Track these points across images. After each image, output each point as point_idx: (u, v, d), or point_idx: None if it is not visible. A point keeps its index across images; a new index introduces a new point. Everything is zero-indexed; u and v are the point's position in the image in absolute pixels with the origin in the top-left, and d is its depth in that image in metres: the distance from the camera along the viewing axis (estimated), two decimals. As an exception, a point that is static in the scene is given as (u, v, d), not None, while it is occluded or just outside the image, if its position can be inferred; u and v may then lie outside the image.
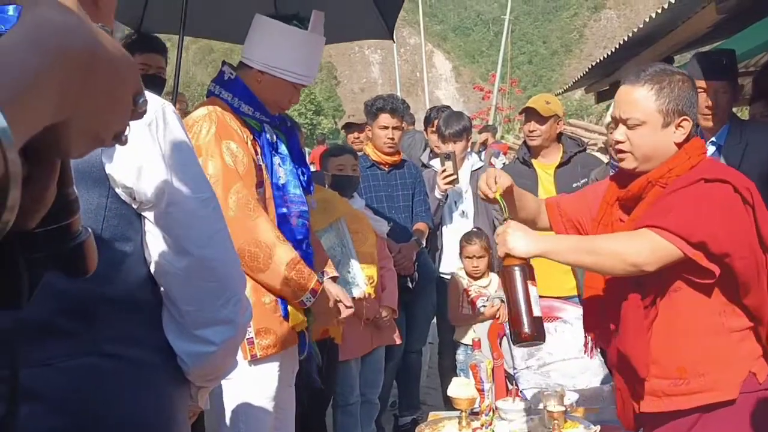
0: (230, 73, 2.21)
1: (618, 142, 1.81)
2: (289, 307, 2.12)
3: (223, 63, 2.29)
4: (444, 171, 3.74)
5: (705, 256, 1.64)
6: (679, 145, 1.77)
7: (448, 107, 5.11)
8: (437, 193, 3.81)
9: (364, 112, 3.90)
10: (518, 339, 1.75)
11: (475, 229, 3.74)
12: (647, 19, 4.07)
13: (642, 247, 1.67)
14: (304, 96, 34.36)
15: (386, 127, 3.73)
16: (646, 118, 1.75)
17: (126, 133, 0.54)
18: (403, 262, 3.59)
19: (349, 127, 5.05)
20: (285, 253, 2.06)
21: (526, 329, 1.72)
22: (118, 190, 1.08)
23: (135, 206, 1.09)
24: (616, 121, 1.83)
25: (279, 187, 2.18)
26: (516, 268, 1.73)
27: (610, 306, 1.83)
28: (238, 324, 1.16)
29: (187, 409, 1.22)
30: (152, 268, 1.11)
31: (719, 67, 2.89)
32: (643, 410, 1.81)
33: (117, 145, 1.02)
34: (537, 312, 1.73)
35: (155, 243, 1.10)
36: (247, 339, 2.06)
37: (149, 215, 1.10)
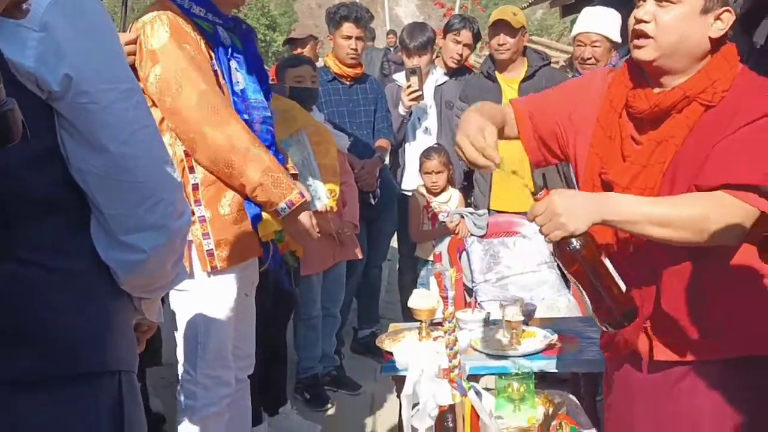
0: None
1: (640, 22, 1.46)
2: (264, 215, 2.06)
3: None
4: (409, 87, 3.66)
5: None
6: (713, 45, 1.46)
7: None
8: (401, 110, 3.75)
9: (326, 21, 3.75)
10: (613, 326, 1.44)
11: (435, 145, 3.71)
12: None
13: (724, 217, 1.38)
14: (257, 9, 33.00)
15: (349, 37, 3.59)
16: None
17: (25, 6, 0.47)
18: (366, 178, 3.56)
19: (292, 42, 4.89)
20: (261, 158, 1.99)
21: (626, 306, 1.43)
22: (20, 78, 0.97)
23: (43, 96, 0.99)
24: None
25: (238, 93, 2.09)
26: (580, 245, 1.40)
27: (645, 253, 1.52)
28: (171, 229, 1.08)
29: (130, 321, 1.17)
30: (70, 168, 1.02)
31: None
32: (657, 359, 1.56)
33: (18, 27, 0.93)
34: (623, 284, 1.43)
35: (69, 138, 1.01)
36: (206, 251, 2.02)
37: (59, 107, 1.00)
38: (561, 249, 1.41)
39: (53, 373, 1.01)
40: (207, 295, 2.08)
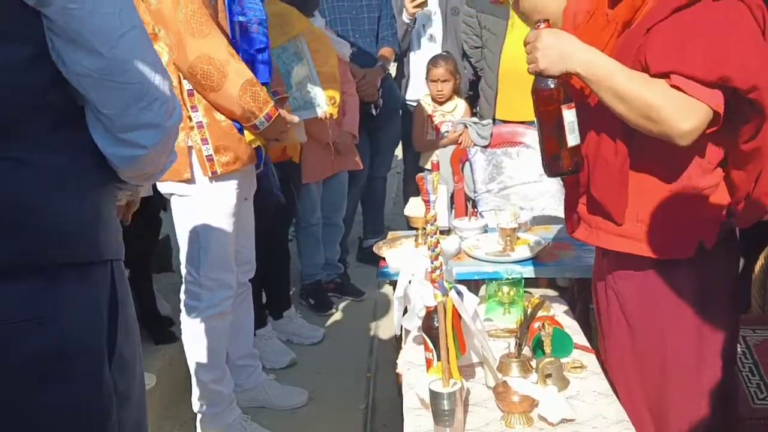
0: None
1: None
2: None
3: None
4: None
5: (723, 93, 1.36)
6: None
7: None
8: (405, 17, 3.65)
9: None
10: (549, 171, 1.52)
11: (443, 53, 3.64)
12: None
13: (677, 112, 1.36)
14: None
15: None
16: None
17: None
18: (367, 88, 3.52)
19: None
20: (240, 73, 1.99)
21: (559, 161, 1.47)
22: None
23: (31, 3, 1.01)
24: None
25: None
26: (547, 86, 1.44)
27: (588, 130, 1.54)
28: (165, 127, 1.13)
29: (113, 207, 1.22)
30: (63, 72, 1.06)
31: None
32: (576, 236, 1.68)
33: None
34: (574, 140, 1.45)
35: (61, 44, 1.04)
36: (206, 156, 2.06)
37: (47, 12, 1.02)
38: (535, 85, 1.46)
39: (49, 262, 1.06)
40: (208, 200, 2.13)
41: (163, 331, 2.81)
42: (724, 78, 1.34)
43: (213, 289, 2.21)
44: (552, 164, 1.50)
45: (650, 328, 1.58)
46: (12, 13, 0.99)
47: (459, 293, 1.67)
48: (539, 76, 1.45)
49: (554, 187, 3.36)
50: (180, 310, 2.28)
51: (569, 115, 1.45)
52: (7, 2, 0.99)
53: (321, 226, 3.40)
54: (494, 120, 3.56)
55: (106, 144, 1.11)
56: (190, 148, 2.06)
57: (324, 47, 2.98)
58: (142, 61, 1.08)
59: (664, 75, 1.38)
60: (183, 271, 2.25)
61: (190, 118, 2.04)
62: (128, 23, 1.07)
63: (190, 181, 2.10)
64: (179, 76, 2.01)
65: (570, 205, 1.70)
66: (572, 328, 2.04)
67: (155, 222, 2.80)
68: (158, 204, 2.65)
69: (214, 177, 2.09)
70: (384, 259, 2.41)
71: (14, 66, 1.01)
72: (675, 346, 1.57)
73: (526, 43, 1.46)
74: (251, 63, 2.09)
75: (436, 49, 3.76)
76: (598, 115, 1.50)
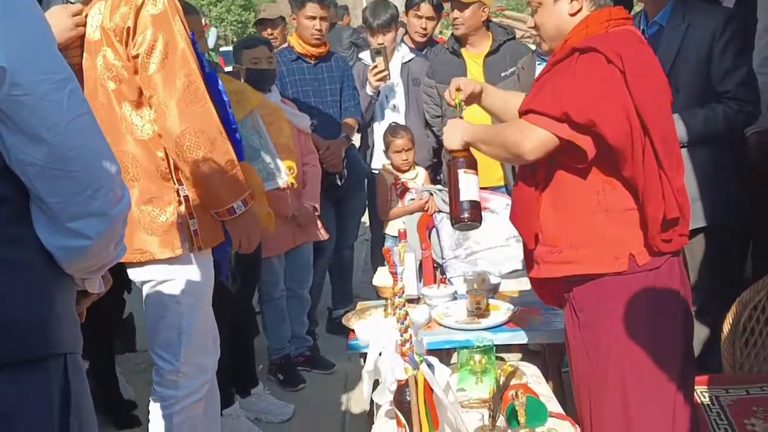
0: None
1: (534, 27, 1.90)
2: None
3: None
4: (375, 67, 3.64)
5: (571, 127, 1.66)
6: (578, 17, 1.78)
7: None
8: (368, 90, 3.72)
9: (289, 1, 3.70)
10: (452, 221, 1.98)
11: (396, 124, 3.71)
12: None
13: (520, 137, 1.73)
14: (233, -10, 32.49)
15: (313, 18, 3.55)
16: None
17: None
18: (331, 159, 3.54)
19: (262, 23, 4.83)
20: (225, 151, 1.95)
21: (456, 212, 1.93)
22: None
23: None
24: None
25: (208, 76, 2.06)
26: (452, 158, 1.95)
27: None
28: (112, 216, 1.10)
29: (73, 302, 1.18)
30: (7, 159, 1.03)
31: None
32: (530, 275, 1.95)
33: None
34: (467, 196, 1.92)
35: (6, 131, 1.01)
36: (192, 230, 1.99)
37: None
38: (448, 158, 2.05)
39: (3, 356, 1.02)
40: (191, 278, 2.04)
41: (125, 415, 2.69)
42: (565, 114, 1.65)
43: (191, 376, 2.09)
44: (453, 218, 1.98)
45: (602, 340, 1.78)
46: None
47: (430, 365, 1.63)
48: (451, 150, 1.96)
49: (521, 252, 3.37)
50: (144, 393, 2.17)
51: (467, 178, 1.92)
52: None
53: (285, 298, 3.35)
54: (458, 186, 3.59)
55: (48, 236, 1.07)
56: (179, 222, 1.99)
57: (277, 119, 3.01)
58: (88, 148, 1.06)
59: (525, 113, 1.75)
60: (155, 357, 2.11)
61: (177, 192, 1.99)
62: (76, 109, 1.05)
63: (177, 258, 2.00)
64: (164, 148, 1.96)
65: (525, 254, 1.99)
66: (546, 395, 2.01)
67: (119, 303, 2.73)
68: (123, 285, 2.57)
69: (198, 252, 2.02)
70: (353, 331, 2.36)
71: None
72: (628, 353, 1.74)
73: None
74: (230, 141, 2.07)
75: (399, 118, 3.82)
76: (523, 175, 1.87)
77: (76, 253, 1.09)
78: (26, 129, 1.01)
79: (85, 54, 2.00)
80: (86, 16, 1.99)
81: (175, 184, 1.98)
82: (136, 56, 1.90)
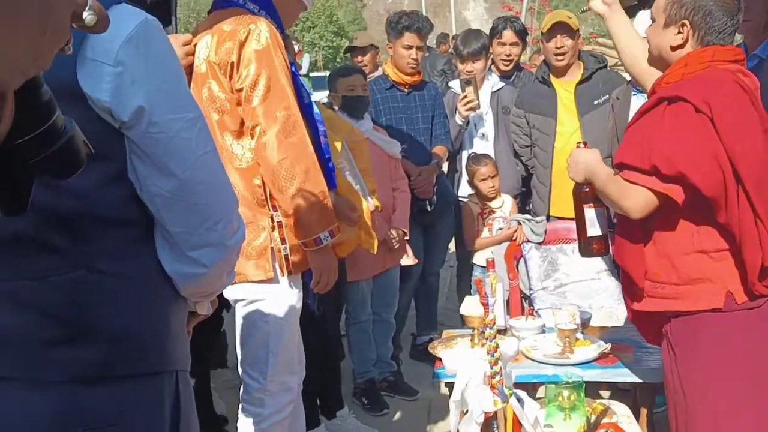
0: None
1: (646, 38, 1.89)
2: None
3: None
4: (465, 97, 3.67)
5: (661, 179, 1.70)
6: (680, 52, 1.79)
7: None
8: (458, 119, 3.75)
9: (386, 29, 3.78)
10: (580, 252, 2.12)
11: (475, 154, 3.71)
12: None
13: (620, 195, 1.80)
14: (325, 18, 33.53)
15: (410, 47, 3.61)
16: (656, 15, 1.80)
17: (69, 45, 0.54)
18: (423, 185, 3.58)
19: (353, 50, 4.96)
20: (318, 182, 2.02)
21: (583, 245, 2.07)
22: (96, 109, 1.06)
23: (116, 125, 1.07)
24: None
25: (307, 107, 2.15)
26: (576, 189, 2.02)
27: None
28: (228, 247, 1.17)
29: (184, 319, 1.25)
30: (138, 189, 1.11)
31: None
32: (633, 308, 1.96)
33: (95, 63, 1.01)
34: (592, 231, 2.01)
35: (140, 164, 1.09)
36: (284, 255, 2.07)
37: (131, 135, 1.08)
38: (574, 188, 2.03)
39: (120, 371, 1.10)
40: (281, 300, 2.11)
41: (218, 430, 2.79)
42: (654, 166, 1.69)
43: (276, 395, 2.15)
44: (580, 247, 2.09)
45: (697, 377, 1.77)
46: (102, 134, 1.06)
47: (519, 399, 1.63)
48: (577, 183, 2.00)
49: (612, 285, 3.29)
50: (234, 408, 2.25)
51: (589, 212, 1.99)
52: (98, 124, 1.06)
53: (372, 322, 3.39)
54: (548, 217, 3.55)
55: (169, 261, 1.14)
56: (272, 248, 2.07)
57: (359, 145, 3.07)
58: (213, 182, 1.13)
59: (620, 165, 1.81)
60: (243, 375, 2.19)
61: (272, 218, 2.07)
62: (203, 146, 1.13)
63: (269, 281, 2.08)
64: (262, 175, 2.04)
65: (626, 287, 2.02)
66: (638, 436, 1.96)
67: (218, 321, 2.84)
68: (222, 303, 2.67)
69: (289, 276, 2.10)
70: (439, 359, 2.37)
71: (102, 182, 1.08)
72: (723, 392, 1.71)
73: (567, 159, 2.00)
74: (323, 170, 2.15)
75: (488, 147, 3.83)
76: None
77: (193, 279, 1.16)
78: (159, 163, 1.09)
79: (192, 84, 2.13)
80: (195, 46, 2.12)
81: (269, 210, 2.06)
82: (240, 89, 2.00)
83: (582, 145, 2.01)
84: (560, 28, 3.43)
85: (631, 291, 1.96)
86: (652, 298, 1.86)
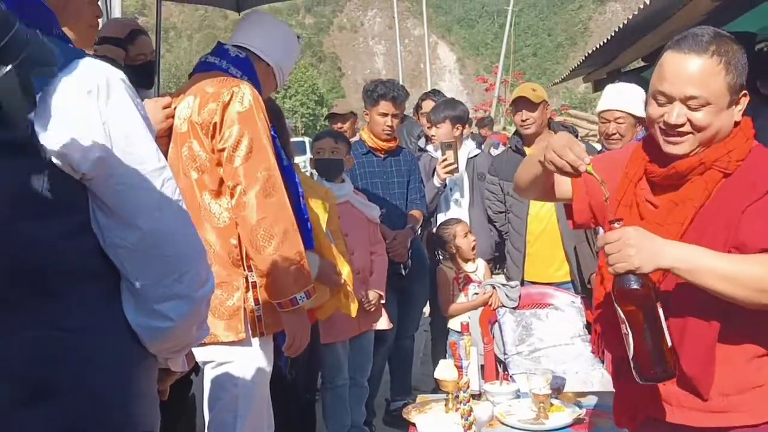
0: (238, 52, 2.21)
1: (676, 126, 1.51)
2: None
3: (221, 43, 2.29)
4: (445, 160, 3.74)
5: None
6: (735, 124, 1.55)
7: (437, 92, 5.22)
8: (436, 182, 3.81)
9: (363, 97, 3.87)
10: (645, 377, 1.47)
11: (441, 223, 3.77)
12: (642, 6, 4.07)
13: None
14: (307, 86, 34.29)
15: (385, 114, 3.69)
16: (714, 98, 1.48)
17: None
18: (398, 248, 3.60)
19: (333, 117, 5.06)
20: (296, 243, 2.03)
21: (663, 362, 1.45)
22: (56, 161, 1.04)
23: (77, 177, 1.06)
24: (668, 98, 1.51)
25: (286, 169, 2.18)
26: (639, 286, 1.42)
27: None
28: (195, 299, 1.14)
29: (153, 378, 1.22)
30: (101, 242, 1.09)
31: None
32: (665, 418, 1.59)
33: (51, 113, 1.02)
34: (669, 341, 1.46)
35: (102, 216, 1.08)
36: (257, 316, 2.05)
37: (92, 187, 1.07)
38: (620, 285, 1.44)
39: (85, 429, 1.06)
40: (251, 362, 2.08)
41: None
42: None
43: None
44: (652, 367, 1.44)
45: None
46: (63, 186, 1.05)
47: (494, 465, 1.60)
48: (627, 275, 1.42)
49: (586, 350, 3.30)
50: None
51: (662, 313, 1.45)
52: (60, 176, 1.05)
53: (347, 387, 3.34)
54: (522, 281, 3.58)
55: (135, 315, 1.12)
56: (242, 308, 2.05)
57: (331, 209, 3.09)
58: (178, 234, 1.12)
59: (766, 250, 1.44)
60: None
61: (246, 278, 2.06)
62: (168, 197, 1.11)
63: (240, 342, 2.05)
64: (239, 235, 2.05)
65: (624, 395, 1.66)
66: (614, 504, 1.92)
67: (186, 384, 2.77)
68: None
69: (260, 338, 2.07)
70: (413, 424, 2.33)
71: (65, 234, 1.06)
72: None
73: (605, 244, 1.45)
74: (301, 230, 2.15)
75: (463, 213, 3.88)
76: (683, 300, 1.51)
77: (160, 334, 1.13)
78: (121, 215, 1.07)
79: (171, 144, 2.15)
80: (174, 108, 2.16)
81: (244, 270, 2.06)
82: (222, 149, 2.02)
83: (618, 224, 1.46)
84: (523, 102, 3.57)
85: (652, 395, 1.58)
86: (690, 410, 1.55)
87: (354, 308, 2.80)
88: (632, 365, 1.46)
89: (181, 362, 1.28)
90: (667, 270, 1.44)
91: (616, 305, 1.46)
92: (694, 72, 1.47)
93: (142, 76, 2.85)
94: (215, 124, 2.03)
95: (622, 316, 1.45)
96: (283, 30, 2.36)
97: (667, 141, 1.54)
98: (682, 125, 1.50)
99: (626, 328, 1.45)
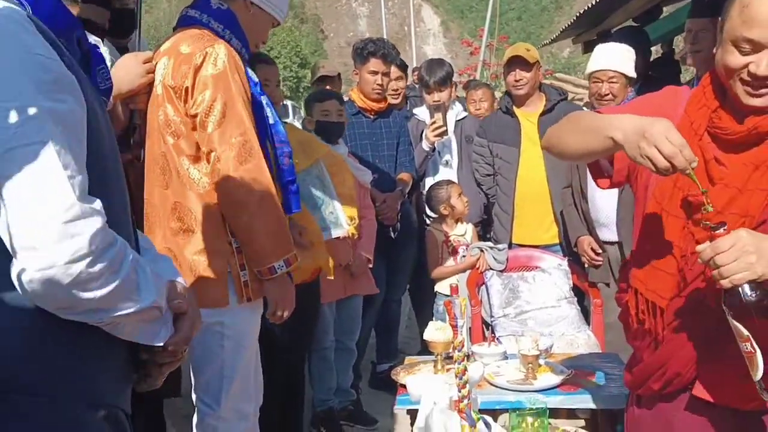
0: (220, 3, 2.09)
1: (764, 78, 1.34)
2: None
3: None
4: (434, 122, 3.70)
5: None
6: None
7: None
8: (425, 145, 3.78)
9: (353, 56, 3.80)
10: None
11: (432, 185, 3.74)
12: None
13: None
14: (290, 48, 33.78)
15: (376, 72, 3.64)
16: None
17: None
18: (387, 212, 3.58)
19: (322, 80, 4.99)
20: (275, 209, 1.99)
21: None
22: None
23: None
24: (756, 46, 1.34)
25: (269, 128, 2.12)
26: (763, 296, 1.25)
27: None
28: (52, 251, 1.00)
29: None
30: None
31: (702, 5, 2.84)
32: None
33: None
34: None
35: None
36: (243, 281, 2.02)
37: None
38: (740, 298, 1.26)
39: None
40: (238, 326, 2.06)
41: (170, 460, 2.68)
42: None
43: (232, 421, 2.08)
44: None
45: None
46: None
47: (487, 424, 1.61)
48: (744, 286, 1.25)
49: (572, 313, 3.33)
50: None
51: None
52: None
53: (334, 349, 3.34)
54: (510, 244, 3.58)
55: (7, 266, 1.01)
56: (228, 272, 2.02)
57: (341, 170, 3.07)
58: (23, 180, 0.98)
59: None
60: (197, 402, 2.12)
61: (230, 243, 2.02)
62: (23, 139, 0.99)
63: (227, 305, 2.02)
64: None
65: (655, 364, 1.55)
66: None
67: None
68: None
69: (247, 302, 2.04)
70: (403, 386, 2.34)
71: None
72: None
73: (715, 254, 1.26)
74: (283, 193, 2.10)
75: (452, 173, 3.86)
76: None
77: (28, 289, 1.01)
78: None
79: (149, 105, 2.08)
80: (155, 65, 2.07)
81: (228, 236, 2.01)
82: (195, 115, 1.96)
83: (723, 229, 1.27)
84: (517, 61, 3.52)
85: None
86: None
87: (330, 270, 2.76)
88: (760, 386, 1.29)
89: (145, 334, 1.15)
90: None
91: (733, 322, 1.28)
92: None
93: (116, 24, 2.71)
94: (187, 88, 1.96)
95: (745, 333, 1.27)
96: None
97: (752, 94, 1.36)
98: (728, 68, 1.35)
99: (750, 346, 1.27)
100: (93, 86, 1.18)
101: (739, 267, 1.24)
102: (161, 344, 1.19)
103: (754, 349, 1.27)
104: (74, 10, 2.01)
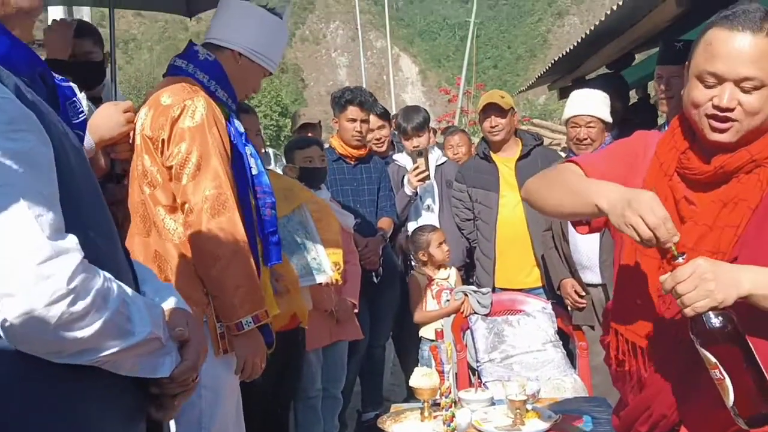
0: (207, 54, 2.11)
1: (726, 110, 1.36)
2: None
3: (192, 43, 2.20)
4: (416, 168, 3.74)
5: None
6: None
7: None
8: (407, 190, 3.81)
9: (331, 105, 3.86)
10: (753, 420, 1.28)
11: (415, 229, 3.75)
12: (608, 12, 4.14)
13: None
14: (270, 97, 34.20)
15: (354, 120, 3.68)
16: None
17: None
18: (370, 256, 3.57)
19: (304, 127, 5.04)
20: (246, 264, 1.97)
21: (765, 404, 1.26)
22: None
23: None
24: (719, 79, 1.37)
25: (251, 179, 2.11)
26: (725, 322, 1.26)
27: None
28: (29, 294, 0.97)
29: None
30: None
31: (673, 53, 2.93)
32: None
33: None
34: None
35: None
36: (219, 333, 1.99)
37: None
38: (705, 326, 1.26)
39: None
40: (214, 378, 2.00)
41: None
42: None
43: None
44: (759, 406, 1.26)
45: None
46: None
47: (476, 472, 1.57)
48: (708, 313, 1.26)
49: (558, 356, 3.31)
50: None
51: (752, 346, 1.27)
52: None
53: (320, 398, 3.27)
54: (494, 288, 3.58)
55: None
56: (204, 323, 1.97)
57: (326, 215, 3.06)
58: None
59: None
60: None
61: (207, 294, 1.99)
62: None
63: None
64: None
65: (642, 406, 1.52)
66: None
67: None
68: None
69: (223, 354, 2.00)
70: (389, 434, 2.29)
71: None
72: None
73: (676, 283, 1.27)
74: (263, 244, 2.08)
75: (433, 218, 3.88)
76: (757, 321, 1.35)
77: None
78: None
79: (134, 154, 2.07)
80: (136, 114, 2.06)
81: (204, 286, 1.99)
82: (171, 167, 1.96)
83: (682, 259, 1.29)
84: (492, 108, 3.59)
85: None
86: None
87: (305, 318, 2.74)
88: (733, 412, 1.28)
89: (155, 367, 1.12)
90: (744, 298, 1.27)
91: (701, 350, 1.28)
92: (750, 51, 1.34)
93: (81, 76, 2.71)
94: (164, 140, 1.97)
95: (713, 360, 1.27)
96: (253, 10, 2.18)
97: (716, 128, 1.39)
98: (733, 109, 1.36)
99: (720, 372, 1.27)
100: (64, 121, 1.16)
101: (699, 295, 1.26)
102: (168, 375, 1.15)
103: (723, 375, 1.28)
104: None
